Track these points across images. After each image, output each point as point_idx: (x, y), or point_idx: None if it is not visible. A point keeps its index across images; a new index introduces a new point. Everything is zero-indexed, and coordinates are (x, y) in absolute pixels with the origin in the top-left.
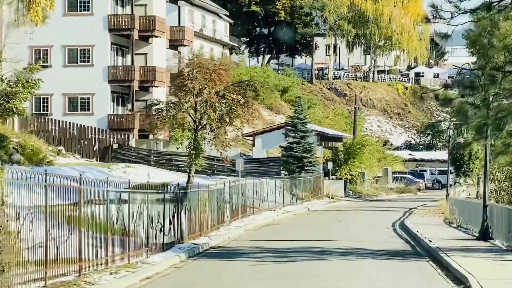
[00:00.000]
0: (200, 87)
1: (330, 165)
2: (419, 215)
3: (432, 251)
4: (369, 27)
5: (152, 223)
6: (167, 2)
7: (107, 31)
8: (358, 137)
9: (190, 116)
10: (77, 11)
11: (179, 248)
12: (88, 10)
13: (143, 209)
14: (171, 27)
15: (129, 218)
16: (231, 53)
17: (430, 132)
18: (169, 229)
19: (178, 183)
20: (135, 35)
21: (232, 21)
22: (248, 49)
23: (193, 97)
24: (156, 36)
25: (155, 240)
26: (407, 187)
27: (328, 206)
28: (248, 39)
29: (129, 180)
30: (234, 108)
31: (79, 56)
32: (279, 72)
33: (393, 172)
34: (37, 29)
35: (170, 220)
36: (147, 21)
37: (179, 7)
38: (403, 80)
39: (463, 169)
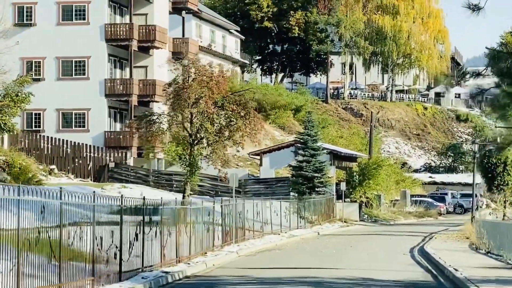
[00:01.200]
0: (196, 96)
1: (343, 186)
2: (441, 240)
3: (459, 282)
4: (387, 44)
5: (101, 245)
6: (170, 13)
7: (104, 42)
8: (374, 157)
9: (186, 129)
10: (72, 20)
11: (142, 278)
12: (84, 19)
13: (89, 227)
14: (174, 38)
15: (60, 237)
16: (242, 71)
17: (452, 154)
18: (130, 253)
19: (144, 197)
20: (134, 45)
21: (243, 37)
22: (260, 67)
23: (189, 107)
24: (157, 47)
25: (106, 267)
26: (427, 211)
27: (341, 231)
28: (260, 57)
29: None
30: (234, 120)
31: (74, 68)
32: (292, 90)
33: (412, 195)
34: (29, 39)
35: (131, 242)
36: (146, 30)
37: (183, 18)
38: (423, 100)
39: (496, 182)
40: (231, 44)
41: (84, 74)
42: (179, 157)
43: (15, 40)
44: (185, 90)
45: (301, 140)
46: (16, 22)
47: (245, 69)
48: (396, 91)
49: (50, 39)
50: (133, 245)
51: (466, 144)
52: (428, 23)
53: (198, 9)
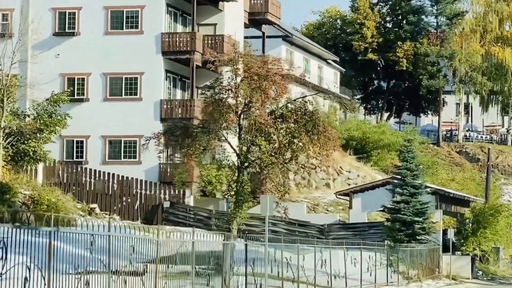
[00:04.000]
0: (246, 102)
1: (451, 234)
2: None
3: None
4: (508, 81)
5: None
6: (246, 26)
7: (161, 55)
8: (492, 200)
9: (230, 146)
10: (122, 29)
11: None
12: (136, 27)
13: None
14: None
15: None
16: (341, 109)
17: None
18: None
19: None
20: (197, 60)
21: (343, 70)
22: (364, 105)
23: (235, 115)
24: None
25: None
26: None
27: None
28: (363, 94)
29: None
30: (297, 135)
31: (123, 86)
32: (400, 130)
33: None
34: (71, 52)
35: None
36: (212, 41)
37: (263, 32)
38: None
39: None
40: (329, 76)
41: (136, 94)
42: (227, 185)
43: (54, 53)
44: (230, 92)
45: (398, 176)
46: (56, 31)
47: (346, 106)
48: None
49: (96, 51)
50: None
51: None
52: None
53: (288, 32)
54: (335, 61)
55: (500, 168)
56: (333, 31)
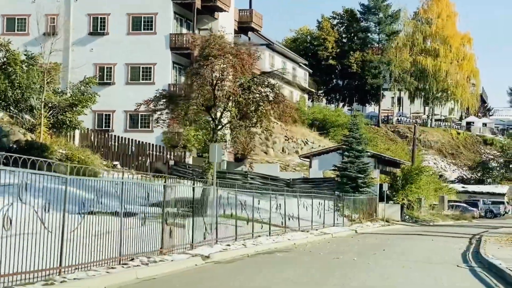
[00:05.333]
0: (219, 75)
1: (386, 187)
2: (492, 244)
3: None
4: (429, 81)
5: None
6: (236, 33)
7: (169, 50)
8: (416, 163)
9: (209, 114)
10: (140, 30)
11: None
12: (151, 29)
13: None
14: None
15: None
16: (309, 99)
17: (481, 169)
18: None
19: None
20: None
21: (311, 71)
22: (326, 97)
23: (211, 87)
24: None
25: None
26: (463, 215)
27: (381, 229)
28: (326, 89)
29: None
30: (262, 104)
31: (141, 74)
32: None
33: (448, 201)
34: (102, 47)
35: None
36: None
37: (249, 38)
38: (456, 127)
39: None
40: (301, 75)
41: (150, 79)
42: (204, 143)
43: (89, 48)
44: (205, 67)
45: (347, 142)
46: (91, 31)
47: (312, 96)
48: (435, 120)
49: (121, 46)
50: None
51: (494, 161)
52: (462, 64)
53: (270, 41)
54: (305, 64)
55: (422, 143)
56: (304, 43)
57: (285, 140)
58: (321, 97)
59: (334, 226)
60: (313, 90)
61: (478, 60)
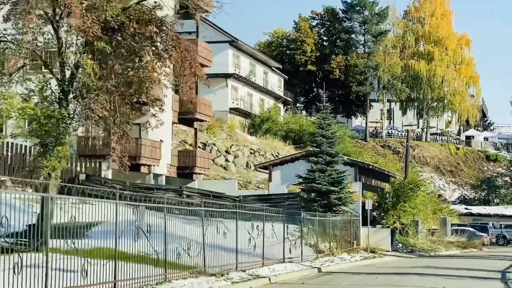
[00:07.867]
0: (66, 3)
1: (369, 205)
2: None
3: None
4: (422, 88)
5: None
6: (179, 17)
7: None
8: (411, 175)
9: (50, 72)
10: None
11: None
12: None
13: None
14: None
15: None
16: (285, 109)
17: (486, 187)
18: None
19: None
20: None
21: (287, 77)
22: (306, 109)
23: (50, 24)
24: None
25: None
26: (470, 242)
27: (361, 265)
28: (305, 100)
29: None
30: (141, 51)
31: None
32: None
33: (452, 225)
34: None
35: None
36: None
37: (197, 26)
38: (455, 142)
39: None
40: (274, 81)
41: None
42: (37, 122)
43: None
44: None
45: (314, 143)
46: None
47: (288, 106)
48: (430, 134)
49: None
50: None
51: (501, 178)
52: (460, 69)
53: (234, 37)
54: (279, 69)
55: (416, 159)
56: (280, 48)
57: (250, 153)
58: (300, 109)
59: (284, 262)
60: (289, 99)
61: (478, 66)
